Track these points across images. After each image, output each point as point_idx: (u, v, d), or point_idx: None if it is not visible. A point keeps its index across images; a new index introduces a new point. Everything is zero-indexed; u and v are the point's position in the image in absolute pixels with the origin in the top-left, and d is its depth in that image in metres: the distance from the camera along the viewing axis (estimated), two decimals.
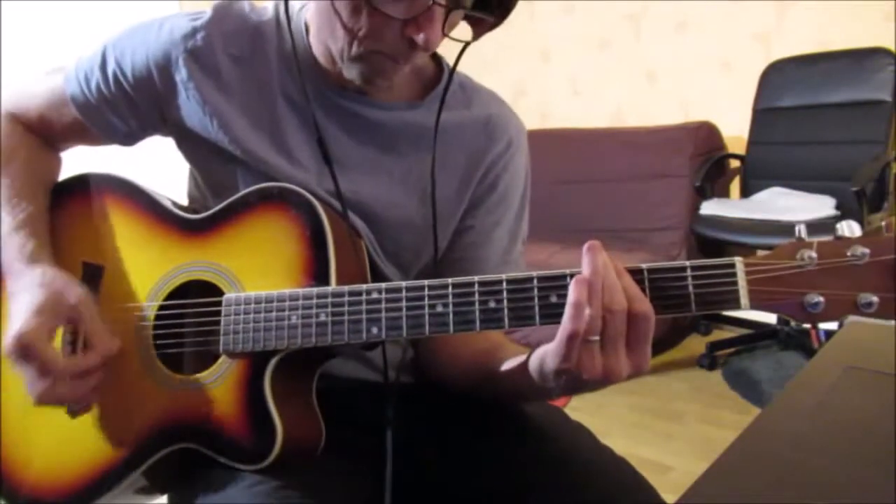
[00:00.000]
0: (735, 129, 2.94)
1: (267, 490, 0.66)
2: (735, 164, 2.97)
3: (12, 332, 0.67)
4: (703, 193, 2.73)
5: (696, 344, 2.70)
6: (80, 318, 0.71)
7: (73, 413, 0.75)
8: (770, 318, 2.76)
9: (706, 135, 2.92)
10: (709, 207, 2.61)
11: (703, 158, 2.82)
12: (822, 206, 2.36)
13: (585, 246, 0.57)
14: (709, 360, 2.59)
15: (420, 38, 0.67)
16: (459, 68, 0.85)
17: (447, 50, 0.80)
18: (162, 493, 0.80)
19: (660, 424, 2.18)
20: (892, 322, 0.95)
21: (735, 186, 3.01)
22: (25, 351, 0.67)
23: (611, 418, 2.21)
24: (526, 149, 0.89)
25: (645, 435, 2.11)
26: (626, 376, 0.58)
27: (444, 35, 0.70)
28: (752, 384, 2.42)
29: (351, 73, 0.74)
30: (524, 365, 0.65)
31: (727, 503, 0.57)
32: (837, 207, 2.37)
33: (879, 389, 0.77)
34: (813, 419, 0.71)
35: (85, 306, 0.71)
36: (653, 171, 2.91)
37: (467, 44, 0.72)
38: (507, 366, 0.70)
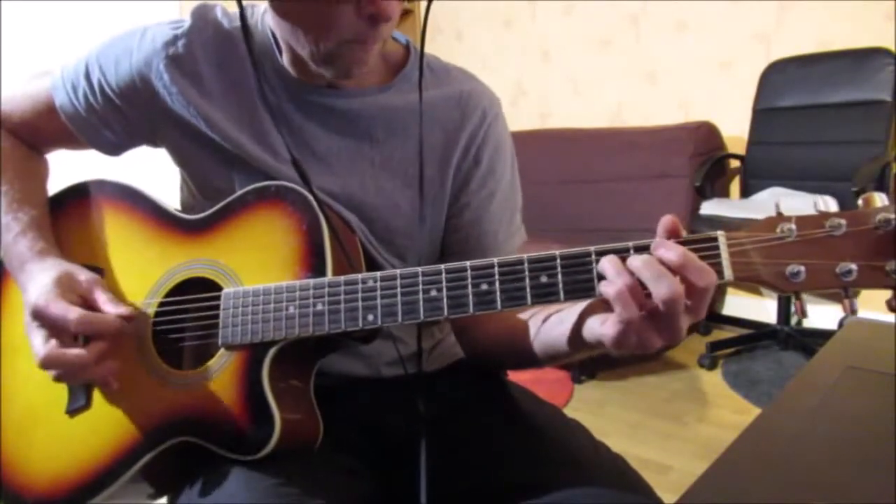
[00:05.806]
0: (735, 129, 2.94)
1: (267, 487, 0.66)
2: (735, 164, 2.97)
3: (29, 303, 0.72)
4: (703, 193, 2.73)
5: (696, 344, 2.70)
6: (92, 292, 0.74)
7: (73, 412, 0.75)
8: (770, 318, 2.76)
9: (706, 135, 2.92)
10: (709, 207, 2.61)
11: (703, 158, 2.82)
12: (822, 206, 2.36)
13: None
14: (709, 360, 2.58)
15: (376, 10, 0.68)
16: (463, 66, 0.85)
17: (447, 51, 0.80)
18: (163, 495, 0.80)
19: (660, 424, 2.18)
20: (892, 321, 0.95)
21: (735, 186, 3.01)
22: (40, 313, 0.71)
23: (610, 418, 2.20)
24: (502, 118, 0.89)
25: (645, 435, 2.11)
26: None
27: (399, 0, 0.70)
28: (752, 384, 2.42)
29: (328, 72, 0.75)
30: (573, 339, 0.67)
31: (727, 503, 0.57)
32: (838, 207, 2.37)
33: (879, 389, 0.77)
34: (813, 419, 0.71)
35: (96, 283, 0.75)
36: (653, 171, 2.91)
37: (430, 0, 0.73)
38: (547, 341, 0.72)
